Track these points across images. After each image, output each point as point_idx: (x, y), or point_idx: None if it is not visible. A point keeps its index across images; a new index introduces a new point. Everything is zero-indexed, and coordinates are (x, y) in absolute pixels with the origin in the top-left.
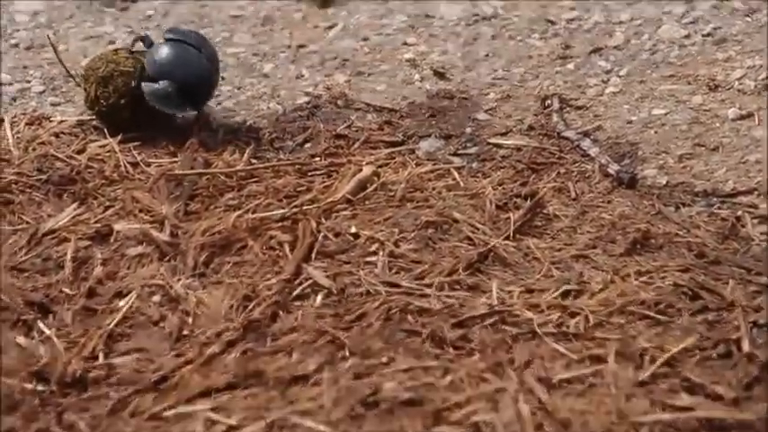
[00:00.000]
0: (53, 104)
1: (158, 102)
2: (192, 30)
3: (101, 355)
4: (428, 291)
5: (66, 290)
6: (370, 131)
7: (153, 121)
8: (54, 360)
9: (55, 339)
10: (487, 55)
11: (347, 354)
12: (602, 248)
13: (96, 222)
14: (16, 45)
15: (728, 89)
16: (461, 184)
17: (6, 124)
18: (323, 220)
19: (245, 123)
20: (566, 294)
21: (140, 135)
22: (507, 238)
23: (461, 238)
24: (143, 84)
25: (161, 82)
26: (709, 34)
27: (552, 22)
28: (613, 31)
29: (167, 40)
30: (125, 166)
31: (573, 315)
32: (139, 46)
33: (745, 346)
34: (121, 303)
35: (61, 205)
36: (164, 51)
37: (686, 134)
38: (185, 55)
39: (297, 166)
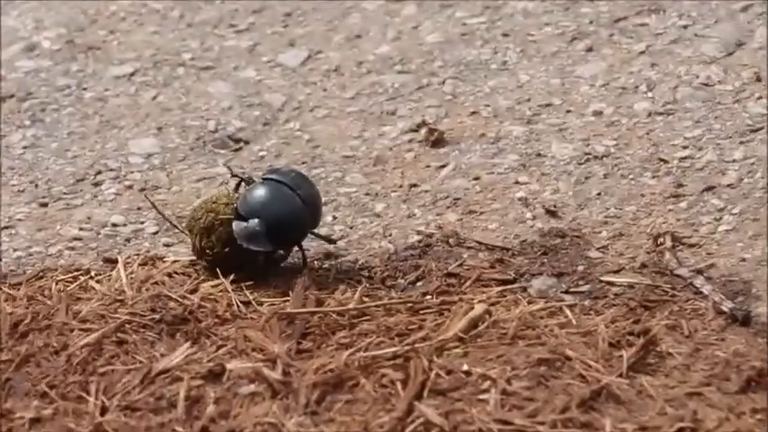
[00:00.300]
0: (166, 245)
1: (245, 239)
2: (295, 170)
3: None
4: (541, 428)
5: (180, 429)
6: (482, 270)
7: (263, 266)
8: None
9: None
10: (599, 193)
11: None
12: (717, 386)
13: (209, 361)
14: (130, 186)
15: None
16: (574, 321)
17: (120, 265)
18: (435, 358)
19: (356, 262)
20: None
21: (252, 275)
22: (620, 375)
23: (574, 375)
24: (233, 222)
25: (250, 221)
26: None
27: (665, 161)
28: (726, 169)
29: (263, 179)
30: (237, 306)
31: None
32: (243, 189)
33: None
34: None
35: (174, 345)
36: (256, 191)
37: None
38: (277, 194)
39: (408, 305)
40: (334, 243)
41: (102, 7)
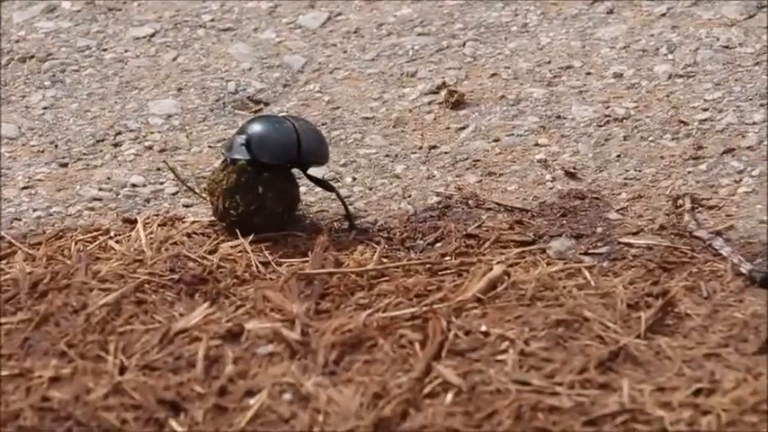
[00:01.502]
0: (185, 206)
1: (225, 148)
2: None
3: None
4: (559, 389)
5: (198, 388)
6: (501, 231)
7: (284, 223)
8: None
9: None
10: (619, 155)
11: None
12: (735, 347)
13: (228, 321)
14: (150, 147)
15: None
16: (592, 283)
17: (140, 225)
18: (453, 318)
19: (376, 223)
20: (697, 393)
21: (272, 235)
22: (638, 336)
23: (592, 336)
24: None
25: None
26: None
27: (684, 123)
28: (746, 131)
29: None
30: (256, 266)
31: (705, 413)
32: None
33: None
34: (252, 402)
35: (193, 305)
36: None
37: None
38: (268, 117)
39: (427, 266)
40: (332, 190)
41: None
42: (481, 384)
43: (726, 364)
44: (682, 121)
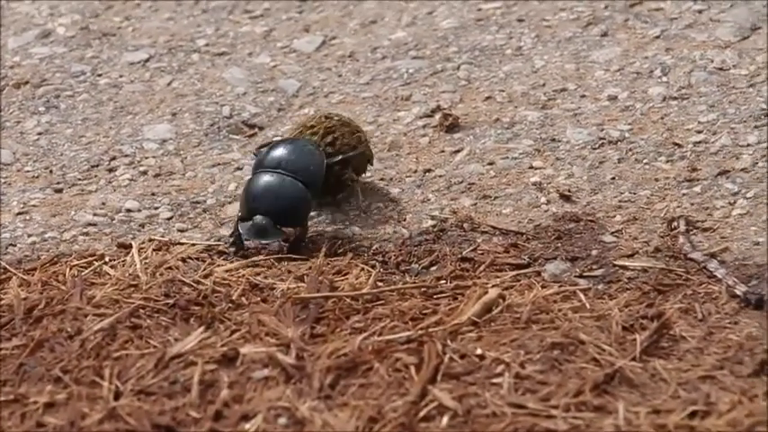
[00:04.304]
0: (180, 230)
1: (254, 236)
2: (278, 142)
3: None
4: (554, 412)
5: (193, 413)
6: (496, 254)
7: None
8: None
9: None
10: (614, 178)
11: None
12: (730, 369)
13: (223, 346)
14: (145, 172)
15: None
16: (587, 305)
17: (134, 250)
18: (448, 342)
19: (371, 247)
20: (693, 415)
21: (267, 259)
22: (634, 359)
23: (587, 359)
24: (239, 224)
25: (255, 218)
26: None
27: (679, 145)
28: (740, 153)
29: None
30: (251, 290)
31: None
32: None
33: None
34: (248, 426)
35: (188, 329)
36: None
37: None
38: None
39: (422, 289)
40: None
41: None
42: (477, 408)
43: (721, 387)
44: (676, 144)
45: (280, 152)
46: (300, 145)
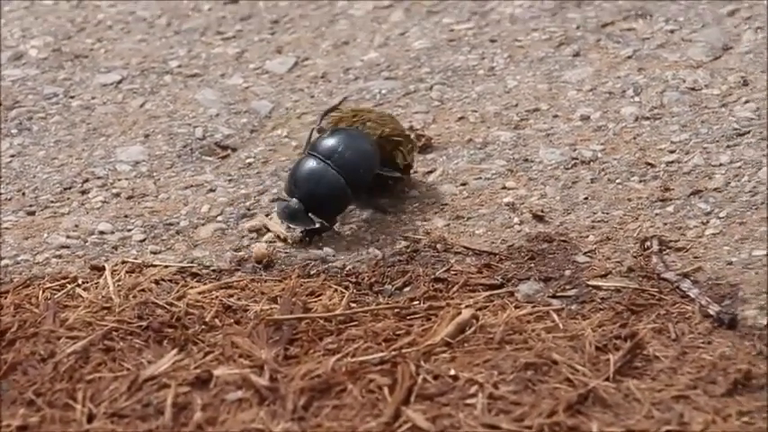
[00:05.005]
0: (153, 252)
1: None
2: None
3: None
4: None
5: None
6: (469, 275)
7: None
8: None
9: None
10: (587, 198)
11: None
12: (703, 389)
13: (196, 368)
14: (118, 194)
15: None
16: (561, 326)
17: (107, 272)
18: (422, 363)
19: (344, 268)
20: None
21: (240, 281)
22: (607, 379)
23: (561, 379)
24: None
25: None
26: None
27: (652, 165)
28: (713, 173)
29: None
30: (225, 312)
31: None
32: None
33: None
34: None
35: (161, 351)
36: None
37: None
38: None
39: (396, 310)
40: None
41: (89, 15)
42: (450, 428)
43: (694, 406)
44: (649, 163)
45: (336, 142)
46: (360, 142)
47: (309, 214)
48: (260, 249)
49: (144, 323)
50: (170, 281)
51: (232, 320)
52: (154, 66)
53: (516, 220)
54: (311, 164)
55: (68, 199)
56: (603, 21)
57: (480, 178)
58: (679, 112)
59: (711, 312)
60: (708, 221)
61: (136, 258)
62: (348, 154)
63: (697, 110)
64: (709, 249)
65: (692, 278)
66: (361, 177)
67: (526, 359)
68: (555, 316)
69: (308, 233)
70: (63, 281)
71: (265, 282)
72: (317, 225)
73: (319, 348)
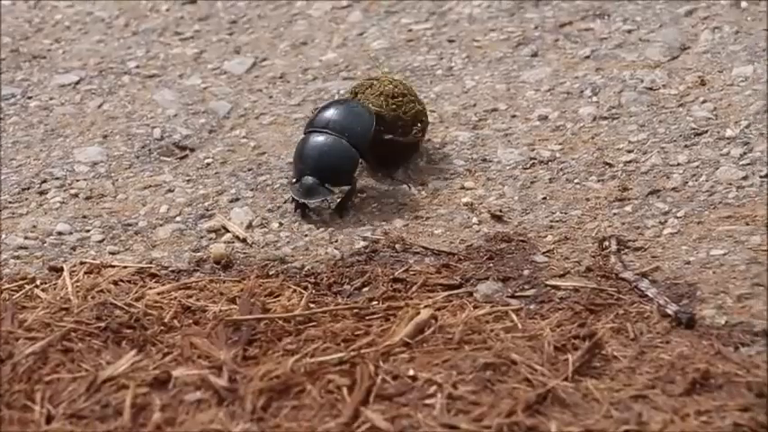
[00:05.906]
0: (112, 253)
1: (304, 196)
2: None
3: None
4: None
5: None
6: (428, 275)
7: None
8: None
9: None
10: (545, 198)
11: None
12: (662, 389)
13: (155, 369)
14: (76, 195)
15: None
16: (519, 325)
17: (66, 273)
18: (381, 363)
19: (303, 268)
20: None
21: (199, 281)
22: (566, 379)
23: (520, 379)
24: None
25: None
26: (767, 175)
27: (610, 165)
28: (671, 173)
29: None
30: (183, 312)
31: None
32: None
33: None
34: None
35: (120, 352)
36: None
37: (744, 274)
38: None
39: (355, 310)
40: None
41: (46, 16)
42: (409, 429)
43: (653, 406)
44: (607, 163)
45: (328, 113)
46: (349, 106)
47: (326, 185)
48: (218, 250)
49: (102, 324)
50: (129, 281)
51: (191, 321)
52: (112, 66)
53: (475, 220)
54: (310, 138)
55: (26, 200)
56: (561, 21)
57: (439, 178)
58: (637, 111)
59: (669, 312)
60: (666, 221)
61: (94, 259)
62: (341, 117)
63: (655, 110)
64: (667, 249)
65: (650, 278)
66: (361, 134)
67: (485, 359)
68: (514, 316)
69: (339, 206)
70: (21, 282)
71: (224, 282)
72: (337, 192)
73: (278, 349)
